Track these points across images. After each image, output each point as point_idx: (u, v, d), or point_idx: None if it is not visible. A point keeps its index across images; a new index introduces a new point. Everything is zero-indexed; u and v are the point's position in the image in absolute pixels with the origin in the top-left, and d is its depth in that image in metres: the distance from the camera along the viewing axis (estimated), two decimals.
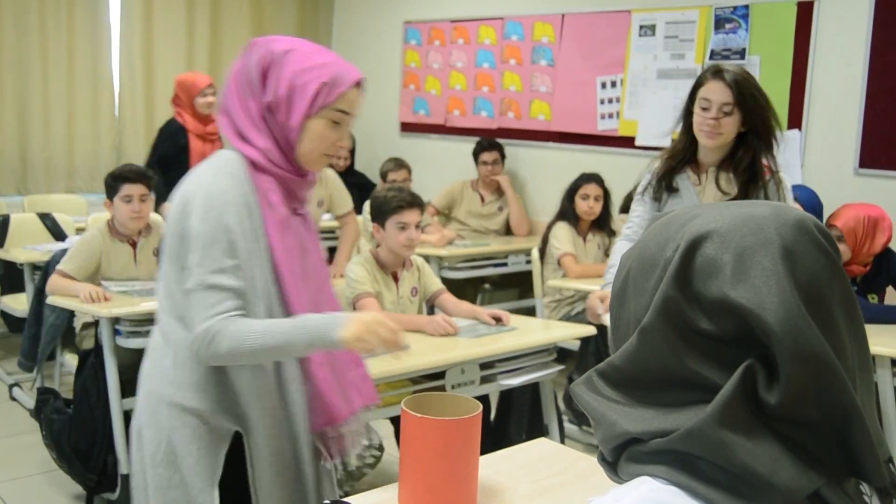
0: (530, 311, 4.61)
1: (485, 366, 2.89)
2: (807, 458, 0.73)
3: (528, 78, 5.75)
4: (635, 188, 2.91)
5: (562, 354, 3.31)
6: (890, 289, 3.61)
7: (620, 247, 2.78)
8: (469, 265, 4.95)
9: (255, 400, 1.78)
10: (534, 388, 3.26)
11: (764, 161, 2.62)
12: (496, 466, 1.81)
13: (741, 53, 4.68)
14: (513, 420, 3.36)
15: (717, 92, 2.56)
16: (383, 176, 5.39)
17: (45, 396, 3.29)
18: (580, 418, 3.86)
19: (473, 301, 4.67)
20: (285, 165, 1.78)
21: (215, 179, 1.72)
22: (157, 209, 3.98)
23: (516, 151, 5.74)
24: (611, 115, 5.28)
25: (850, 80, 4.31)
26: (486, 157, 5.48)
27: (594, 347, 3.74)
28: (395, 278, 3.20)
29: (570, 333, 3.37)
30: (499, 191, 5.56)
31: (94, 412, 3.12)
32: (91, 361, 3.17)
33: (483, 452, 1.68)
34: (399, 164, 5.41)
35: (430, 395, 1.69)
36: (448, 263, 4.82)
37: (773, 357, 0.73)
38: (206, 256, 1.68)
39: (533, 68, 5.71)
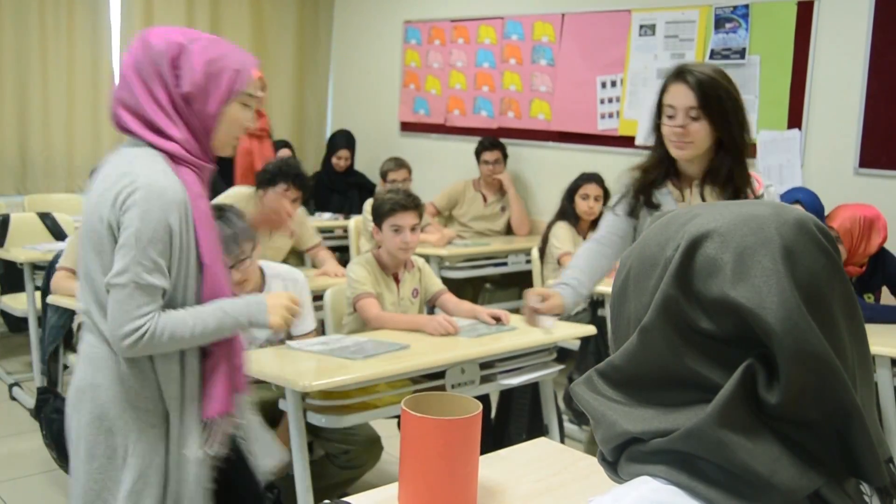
0: None
1: (485, 365, 2.89)
2: (807, 458, 0.73)
3: (528, 77, 5.75)
4: None
5: (562, 354, 3.31)
6: (885, 289, 3.61)
7: (583, 250, 2.54)
8: (469, 265, 4.95)
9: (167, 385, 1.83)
10: (534, 387, 3.26)
11: (753, 172, 2.37)
12: (496, 466, 1.81)
13: (741, 53, 4.68)
14: (513, 420, 3.36)
15: (680, 96, 2.29)
16: (383, 176, 5.39)
17: (45, 396, 3.28)
18: (580, 418, 3.85)
19: (474, 301, 4.67)
20: (201, 155, 1.83)
21: (155, 176, 1.74)
22: None
23: (516, 151, 5.74)
24: (611, 115, 5.28)
25: (850, 79, 4.31)
26: (489, 156, 5.48)
27: (594, 347, 3.74)
28: (396, 279, 3.20)
29: (570, 333, 3.36)
30: (501, 190, 5.56)
31: None
32: None
33: (483, 452, 1.68)
34: (399, 163, 5.40)
35: (431, 394, 1.69)
36: (448, 263, 4.82)
37: (773, 357, 0.73)
38: (143, 255, 1.71)
39: (533, 68, 5.71)
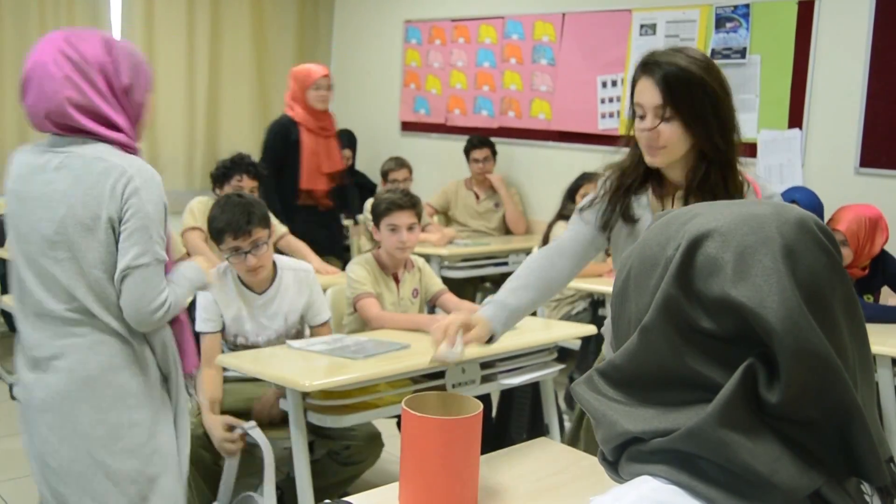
0: None
1: (485, 365, 2.89)
2: (807, 458, 0.73)
3: (528, 77, 5.75)
4: None
5: (562, 354, 3.31)
6: (885, 289, 3.60)
7: (534, 261, 2.11)
8: (469, 264, 4.96)
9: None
10: (534, 387, 3.26)
11: (749, 177, 1.99)
12: (496, 466, 1.81)
13: (742, 53, 4.68)
14: (513, 419, 3.36)
15: (647, 93, 1.89)
16: (384, 175, 5.39)
17: None
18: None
19: (474, 300, 4.67)
20: (135, 142, 1.97)
21: (137, 162, 1.90)
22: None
23: (517, 151, 5.75)
24: (611, 115, 5.28)
25: (851, 79, 4.31)
26: (477, 154, 5.50)
27: (595, 347, 3.74)
28: (396, 279, 3.20)
29: (571, 333, 3.36)
30: (492, 188, 5.59)
31: None
32: None
33: (483, 452, 1.68)
34: (400, 163, 5.41)
35: (431, 394, 1.69)
36: (448, 263, 4.82)
37: (773, 356, 0.73)
38: (157, 234, 1.90)
39: (533, 67, 5.71)
